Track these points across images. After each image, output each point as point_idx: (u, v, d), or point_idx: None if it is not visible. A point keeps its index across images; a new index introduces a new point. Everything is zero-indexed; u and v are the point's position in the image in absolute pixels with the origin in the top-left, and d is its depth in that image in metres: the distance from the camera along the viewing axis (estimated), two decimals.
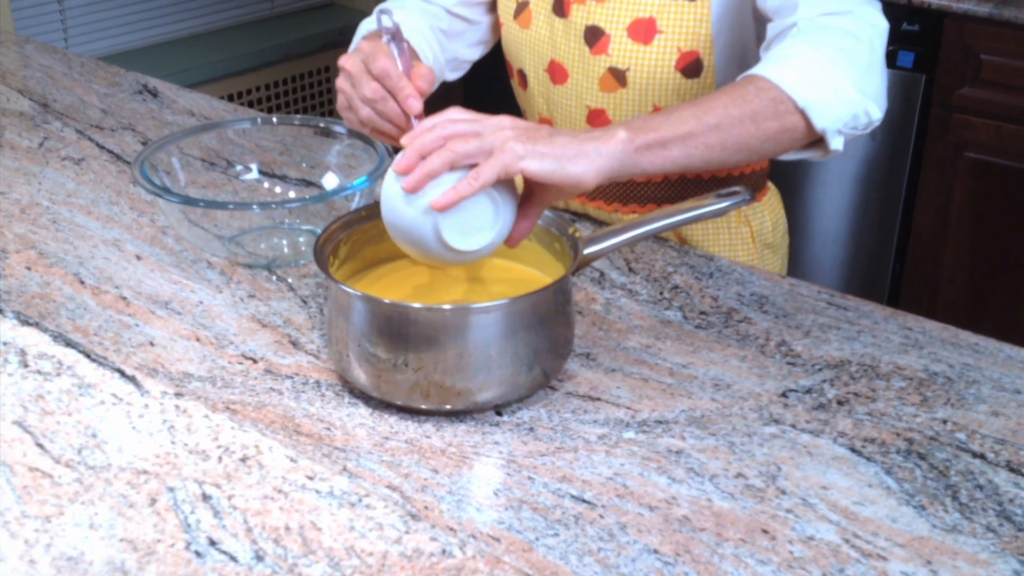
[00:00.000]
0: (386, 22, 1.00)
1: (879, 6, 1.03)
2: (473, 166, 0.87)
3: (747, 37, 1.16)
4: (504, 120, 0.89)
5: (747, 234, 1.27)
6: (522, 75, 1.26)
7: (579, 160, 0.87)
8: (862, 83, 0.97)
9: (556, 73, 1.21)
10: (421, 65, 1.01)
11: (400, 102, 0.98)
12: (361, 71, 1.00)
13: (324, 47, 2.99)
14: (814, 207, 2.45)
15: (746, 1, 1.12)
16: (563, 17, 1.18)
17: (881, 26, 1.01)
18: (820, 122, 0.95)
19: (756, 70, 0.97)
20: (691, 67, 1.14)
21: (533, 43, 1.22)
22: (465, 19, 1.28)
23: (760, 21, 1.14)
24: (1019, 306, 2.24)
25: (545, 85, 1.23)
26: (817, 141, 0.99)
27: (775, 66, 0.97)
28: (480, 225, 0.89)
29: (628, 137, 0.89)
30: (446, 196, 0.86)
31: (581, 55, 1.18)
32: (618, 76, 1.16)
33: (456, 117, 0.90)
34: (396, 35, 1.00)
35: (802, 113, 0.95)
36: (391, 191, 0.90)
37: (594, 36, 1.16)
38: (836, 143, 0.98)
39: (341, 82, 1.03)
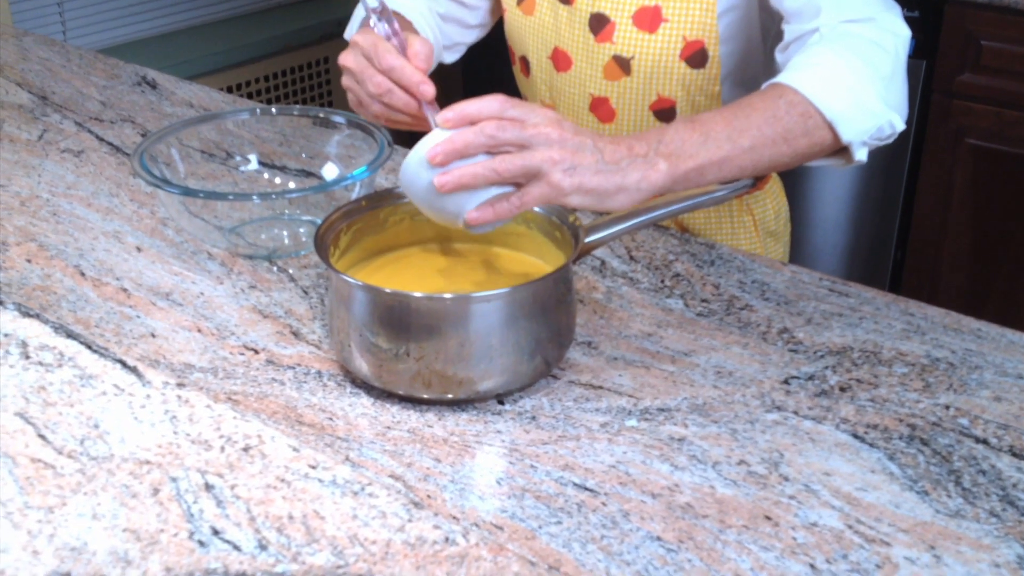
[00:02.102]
0: (371, 2, 0.98)
1: (900, 12, 1.03)
2: None
3: (753, 30, 1.16)
4: (552, 131, 0.85)
5: (749, 222, 1.27)
6: (524, 62, 1.26)
7: (620, 196, 0.87)
8: (886, 94, 0.97)
9: (559, 60, 1.21)
10: (415, 40, 0.97)
11: (412, 91, 0.95)
12: (363, 66, 0.98)
13: (323, 38, 2.98)
14: (815, 195, 2.44)
15: None
16: (568, 4, 1.18)
17: (904, 35, 1.01)
18: (847, 135, 0.96)
19: (785, 79, 0.96)
20: (696, 57, 1.13)
21: (536, 30, 1.22)
22: (462, 3, 1.27)
23: (770, 15, 1.13)
24: (1021, 292, 2.24)
25: (548, 72, 1.23)
26: (841, 150, 1.00)
27: (803, 76, 0.96)
28: None
29: (669, 169, 0.89)
30: (484, 214, 0.86)
31: (585, 43, 1.17)
32: (622, 64, 1.16)
33: (502, 113, 0.85)
34: (383, 13, 0.97)
35: (830, 127, 0.96)
36: (417, 176, 0.88)
37: (599, 24, 1.16)
38: (861, 154, 0.99)
39: (346, 81, 1.01)
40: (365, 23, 1.08)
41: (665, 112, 1.18)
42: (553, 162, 0.84)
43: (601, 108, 1.20)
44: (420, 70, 0.96)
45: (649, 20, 1.13)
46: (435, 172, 0.86)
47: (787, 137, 0.94)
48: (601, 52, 1.16)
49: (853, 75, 0.96)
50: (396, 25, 0.97)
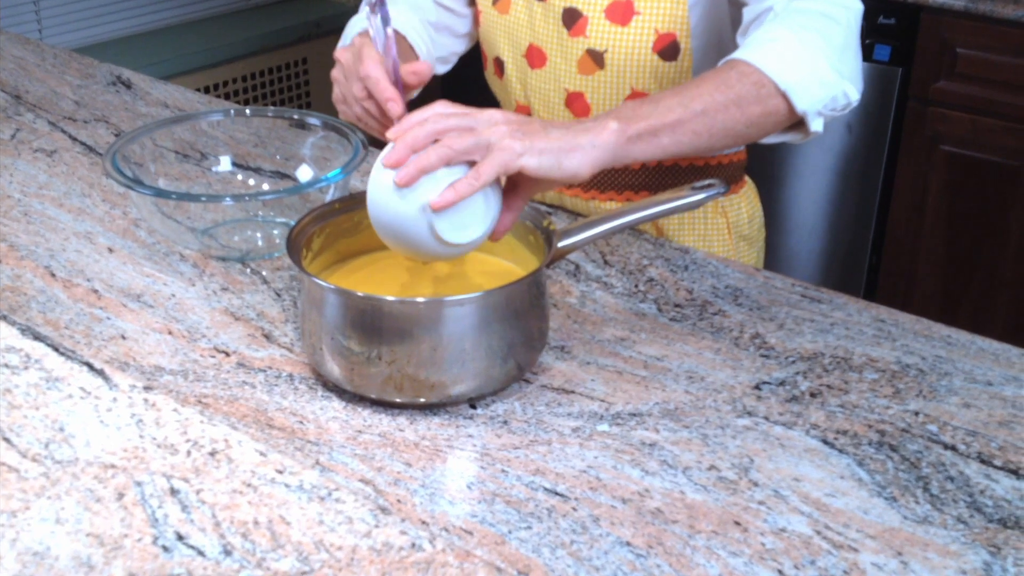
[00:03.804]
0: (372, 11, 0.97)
1: None
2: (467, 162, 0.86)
3: (723, 22, 1.16)
4: (496, 114, 0.88)
5: (723, 225, 1.27)
6: (498, 63, 1.26)
7: (574, 154, 0.87)
8: (839, 64, 0.97)
9: (534, 57, 1.21)
10: (413, 61, 0.99)
11: (381, 104, 0.97)
12: (352, 66, 0.99)
13: (300, 39, 2.97)
14: (791, 200, 2.45)
15: None
16: (542, 1, 1.19)
17: (856, 8, 1.02)
18: (801, 104, 0.96)
19: (737, 55, 0.98)
20: (668, 49, 1.14)
21: (511, 28, 1.22)
22: (451, 10, 1.27)
23: (736, 5, 1.14)
24: (994, 296, 2.26)
25: (523, 71, 1.23)
26: (798, 124, 1.00)
27: (755, 50, 0.97)
28: (472, 218, 0.89)
29: (620, 128, 0.89)
30: (445, 196, 0.85)
31: (559, 37, 1.18)
32: (596, 58, 1.16)
33: (446, 112, 0.88)
34: (375, 6, 0.96)
35: (783, 96, 0.96)
36: (380, 186, 0.88)
37: (572, 18, 1.16)
38: (816, 125, 0.99)
39: (336, 73, 1.03)
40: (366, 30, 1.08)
41: None
42: (502, 133, 0.86)
43: (576, 103, 1.20)
44: (407, 82, 0.97)
45: (621, 13, 1.14)
46: (393, 189, 0.87)
47: (739, 103, 0.94)
48: (575, 46, 1.17)
49: (805, 47, 0.96)
50: (391, 30, 0.96)
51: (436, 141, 0.87)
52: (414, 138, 0.87)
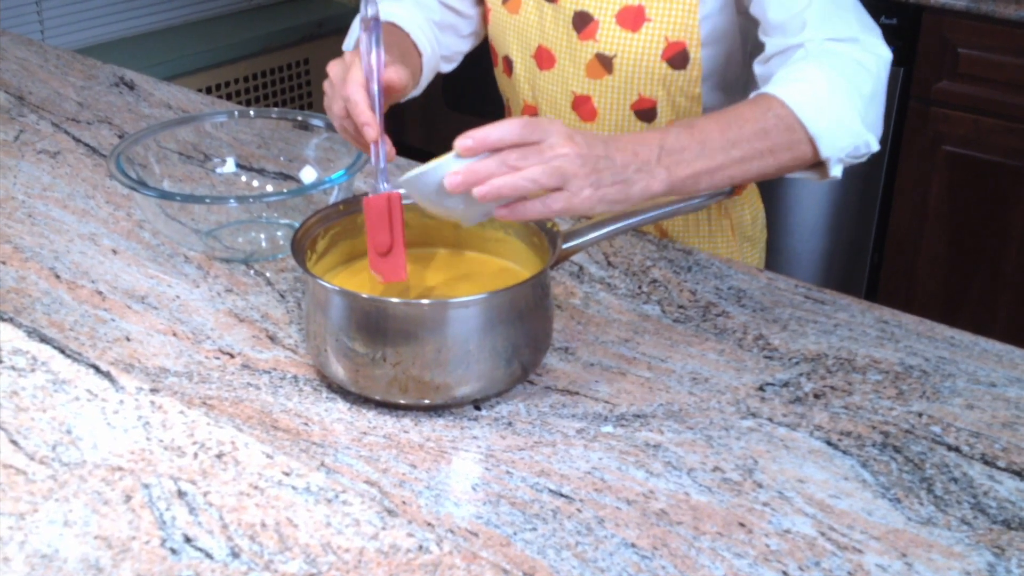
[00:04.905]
0: (367, 11, 0.98)
1: (880, 34, 1.06)
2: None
3: (734, 35, 1.17)
4: (570, 151, 0.87)
5: (727, 226, 1.27)
6: (508, 61, 1.26)
7: (624, 204, 0.92)
8: (866, 114, 1.00)
9: (543, 59, 1.22)
10: (391, 69, 0.97)
11: (359, 127, 0.96)
12: (338, 82, 0.98)
13: (302, 39, 2.97)
14: (793, 200, 2.45)
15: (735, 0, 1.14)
16: (552, 2, 1.19)
17: (886, 57, 1.04)
18: (826, 151, 0.99)
19: (774, 91, 0.99)
20: (677, 58, 1.15)
21: (521, 28, 1.23)
22: (456, 11, 1.28)
23: (746, 17, 1.14)
24: (996, 297, 2.26)
25: (531, 71, 1.23)
26: (817, 164, 1.02)
27: (791, 90, 0.99)
28: None
29: (667, 177, 0.92)
30: (515, 212, 0.87)
31: (569, 40, 1.18)
32: (604, 63, 1.17)
33: (520, 139, 0.86)
34: (369, 25, 0.97)
35: (812, 142, 0.99)
36: (428, 189, 0.87)
37: (583, 21, 1.17)
38: (836, 171, 1.02)
39: (326, 85, 1.03)
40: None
41: (646, 112, 1.19)
42: (577, 179, 0.88)
43: (583, 107, 1.20)
44: (389, 86, 0.97)
45: (632, 19, 1.14)
46: (450, 193, 0.87)
47: (774, 151, 0.98)
48: (584, 50, 1.17)
49: (837, 93, 0.99)
50: (381, 50, 0.96)
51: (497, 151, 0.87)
52: (488, 174, 0.85)
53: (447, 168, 0.87)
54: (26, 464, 0.82)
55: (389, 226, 0.94)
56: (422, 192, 0.89)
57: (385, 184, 0.95)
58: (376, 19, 0.96)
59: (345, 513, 0.78)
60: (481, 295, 0.91)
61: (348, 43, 1.23)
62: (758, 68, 1.09)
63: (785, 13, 1.05)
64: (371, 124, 0.95)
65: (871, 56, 1.02)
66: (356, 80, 0.96)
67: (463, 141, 0.86)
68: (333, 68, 1.02)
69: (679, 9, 1.13)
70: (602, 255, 1.16)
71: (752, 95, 1.01)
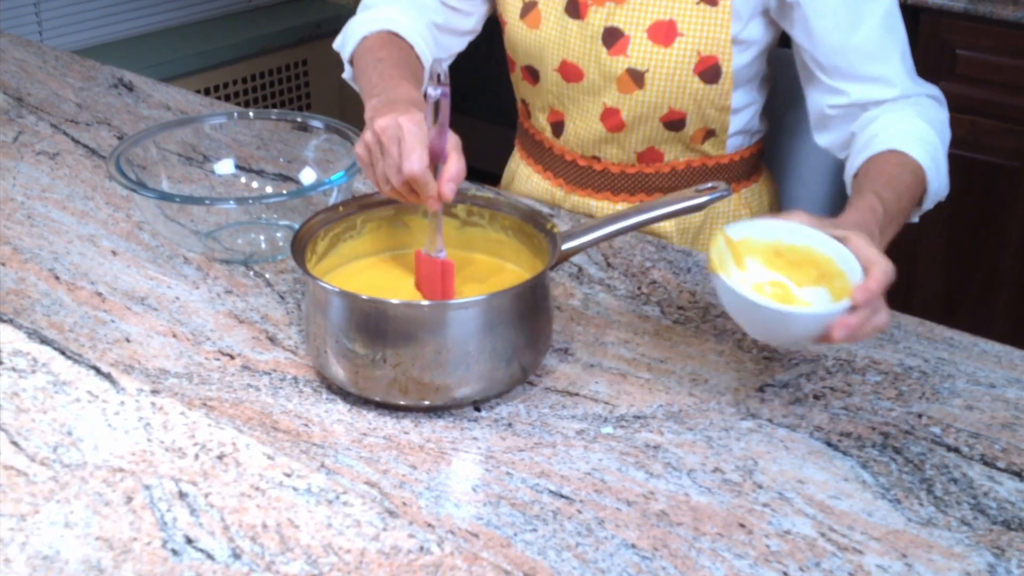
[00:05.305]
0: (433, 91, 0.91)
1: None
2: None
3: (762, 47, 1.18)
4: (882, 284, 0.88)
5: (748, 217, 1.28)
6: (530, 71, 1.26)
7: None
8: (946, 169, 1.10)
9: (569, 72, 1.21)
10: (452, 163, 0.92)
11: (422, 199, 0.93)
12: (392, 149, 0.92)
13: (301, 40, 2.97)
14: (791, 202, 2.45)
15: (766, 12, 1.15)
16: (578, 19, 1.18)
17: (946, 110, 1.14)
18: (926, 205, 1.09)
19: (918, 156, 1.05)
20: (709, 72, 1.15)
21: (542, 43, 1.22)
22: (459, 10, 1.27)
23: (779, 29, 1.17)
24: (994, 298, 2.26)
25: (558, 84, 1.23)
26: None
27: (922, 152, 1.05)
28: None
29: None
30: (849, 335, 0.84)
31: (597, 56, 1.18)
32: (636, 78, 1.17)
33: (887, 285, 0.87)
34: (443, 85, 0.91)
35: (922, 199, 1.07)
36: (807, 326, 0.84)
37: (612, 37, 1.17)
38: (915, 218, 1.10)
39: (369, 140, 0.94)
40: (402, 85, 1.03)
41: (674, 124, 1.20)
42: (885, 309, 0.87)
43: (612, 119, 1.21)
44: (442, 192, 0.92)
45: (664, 34, 1.14)
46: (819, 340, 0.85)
47: (912, 205, 1.05)
48: (614, 65, 1.17)
49: (941, 153, 1.09)
50: (447, 110, 0.91)
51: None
52: (860, 328, 0.84)
53: (828, 320, 0.83)
54: (27, 465, 0.82)
55: (441, 285, 0.97)
56: (781, 330, 0.86)
57: (442, 251, 0.96)
58: (448, 83, 0.91)
59: (346, 514, 0.78)
60: (481, 296, 0.91)
61: (339, 43, 1.23)
62: (830, 110, 1.14)
63: (841, 38, 1.10)
64: (436, 199, 0.93)
65: (944, 111, 1.13)
66: (418, 153, 0.90)
67: (856, 296, 0.84)
68: (385, 130, 0.92)
69: (712, 24, 1.14)
70: (601, 256, 1.16)
71: (895, 147, 1.05)
